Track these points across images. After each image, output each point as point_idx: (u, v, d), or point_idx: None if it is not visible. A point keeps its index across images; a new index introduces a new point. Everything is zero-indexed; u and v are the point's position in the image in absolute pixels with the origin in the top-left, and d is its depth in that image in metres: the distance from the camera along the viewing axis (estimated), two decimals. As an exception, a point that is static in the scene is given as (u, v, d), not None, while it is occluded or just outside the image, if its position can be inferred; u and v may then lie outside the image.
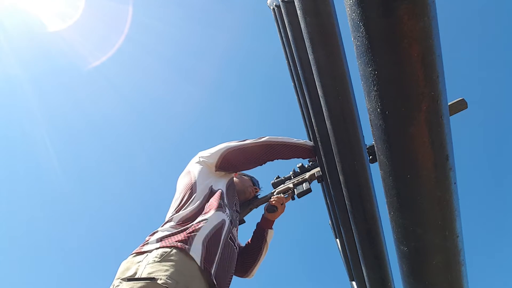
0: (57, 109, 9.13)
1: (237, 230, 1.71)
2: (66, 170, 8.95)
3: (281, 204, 1.80)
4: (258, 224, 1.82)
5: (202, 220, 1.40)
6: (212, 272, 1.29)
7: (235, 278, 1.52)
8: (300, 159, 1.86)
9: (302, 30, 0.92)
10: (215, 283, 1.28)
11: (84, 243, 9.10)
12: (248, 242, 1.83)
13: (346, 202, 1.27)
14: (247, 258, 1.77)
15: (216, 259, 1.35)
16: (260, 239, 1.78)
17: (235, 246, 1.57)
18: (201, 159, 1.74)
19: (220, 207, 1.51)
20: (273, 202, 1.79)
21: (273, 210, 1.79)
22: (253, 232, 1.82)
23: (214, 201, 1.52)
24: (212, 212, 1.45)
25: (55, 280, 9.09)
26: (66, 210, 9.21)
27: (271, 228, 1.81)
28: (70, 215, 9.38)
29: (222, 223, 1.46)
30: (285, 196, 1.84)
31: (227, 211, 1.55)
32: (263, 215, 1.83)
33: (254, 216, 1.95)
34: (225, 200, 1.59)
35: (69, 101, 8.90)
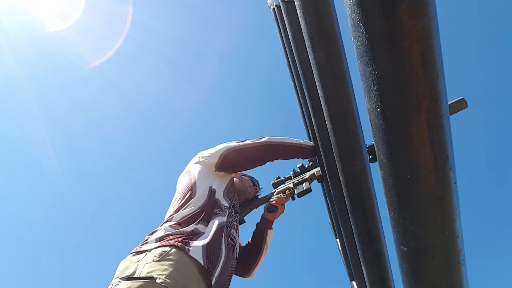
0: (57, 109, 9.13)
1: (237, 231, 1.71)
2: (66, 170, 8.96)
3: (281, 205, 1.81)
4: (257, 224, 1.82)
5: (201, 227, 1.41)
6: (215, 275, 1.30)
7: (234, 278, 1.53)
8: (300, 159, 1.86)
9: (302, 30, 0.92)
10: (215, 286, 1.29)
11: (83, 243, 9.10)
12: (248, 242, 1.83)
13: (346, 202, 1.27)
14: (248, 258, 1.77)
15: (220, 262, 1.35)
16: (259, 239, 1.78)
17: (235, 246, 1.57)
18: (201, 159, 1.74)
19: (218, 213, 1.51)
20: (273, 202, 1.79)
21: (273, 210, 1.79)
22: (253, 233, 1.82)
23: (213, 208, 1.52)
24: (211, 220, 1.46)
25: (55, 279, 9.09)
26: (66, 209, 9.21)
27: (270, 228, 1.81)
28: (70, 215, 9.39)
29: (222, 226, 1.46)
30: (284, 196, 1.84)
31: (226, 214, 1.55)
32: (262, 215, 1.83)
33: (254, 216, 1.95)
34: (225, 204, 1.59)
35: (69, 101, 8.90)
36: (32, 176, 9.45)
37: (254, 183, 2.03)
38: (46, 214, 9.49)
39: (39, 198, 9.29)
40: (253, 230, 1.83)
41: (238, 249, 1.62)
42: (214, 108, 9.18)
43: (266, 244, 1.78)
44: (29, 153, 9.21)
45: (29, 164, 9.23)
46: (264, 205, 1.89)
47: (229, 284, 1.45)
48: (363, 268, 1.46)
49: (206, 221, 1.45)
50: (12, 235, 9.24)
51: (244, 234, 1.95)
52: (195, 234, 1.37)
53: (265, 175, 2.12)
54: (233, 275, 1.50)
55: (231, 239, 1.54)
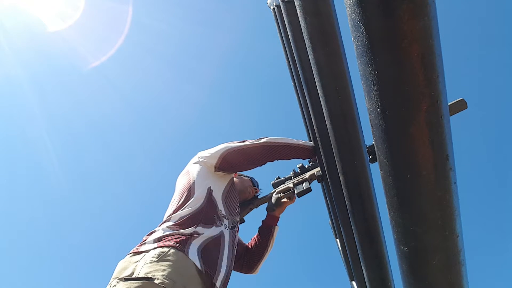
0: (57, 109, 9.13)
1: (237, 233, 1.72)
2: (66, 170, 8.96)
3: (285, 203, 1.83)
4: (264, 221, 1.86)
5: (199, 230, 1.41)
6: (220, 279, 1.31)
7: (233, 278, 1.53)
8: (300, 159, 1.86)
9: (302, 30, 0.92)
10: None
11: (83, 243, 9.10)
12: (253, 239, 1.86)
13: (346, 202, 1.27)
14: (253, 255, 1.81)
15: (222, 265, 1.36)
16: (267, 235, 1.82)
17: (236, 248, 1.58)
18: (201, 159, 1.73)
19: (218, 215, 1.52)
20: (283, 197, 1.82)
21: (272, 209, 1.82)
22: (259, 230, 1.86)
23: (212, 210, 1.52)
24: (209, 223, 1.46)
25: (55, 279, 9.09)
26: (66, 210, 9.21)
27: (277, 225, 1.85)
28: (70, 215, 9.38)
29: (220, 234, 1.46)
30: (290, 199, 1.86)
31: (225, 221, 1.55)
32: (268, 212, 1.86)
33: (254, 216, 1.96)
34: (223, 208, 1.59)
35: (69, 101, 8.90)
36: (32, 176, 9.45)
37: (254, 183, 2.03)
38: (46, 214, 9.49)
39: (39, 198, 9.29)
40: (259, 227, 1.86)
41: (236, 251, 1.63)
42: (214, 108, 9.18)
43: (273, 239, 1.83)
44: (29, 153, 9.21)
45: (29, 164, 9.23)
46: (264, 205, 1.90)
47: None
48: (363, 268, 1.46)
49: (205, 223, 1.45)
50: (12, 235, 9.24)
51: (244, 234, 1.96)
52: (194, 236, 1.37)
53: (265, 176, 2.13)
54: (238, 273, 1.52)
55: (234, 241, 1.55)
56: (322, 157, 1.48)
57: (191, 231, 1.38)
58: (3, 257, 9.03)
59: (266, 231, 1.82)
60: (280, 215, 1.87)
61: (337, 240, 2.29)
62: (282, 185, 1.94)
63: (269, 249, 1.81)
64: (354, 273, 1.88)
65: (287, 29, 1.23)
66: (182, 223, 1.42)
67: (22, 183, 9.46)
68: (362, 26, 0.44)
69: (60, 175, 8.88)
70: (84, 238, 9.20)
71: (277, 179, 1.98)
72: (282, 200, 1.82)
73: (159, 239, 1.31)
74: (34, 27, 7.92)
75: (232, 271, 1.50)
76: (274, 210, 1.81)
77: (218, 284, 1.29)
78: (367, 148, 1.55)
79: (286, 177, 1.97)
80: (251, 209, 1.94)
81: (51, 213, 9.43)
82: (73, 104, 8.99)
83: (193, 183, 1.61)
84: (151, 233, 1.39)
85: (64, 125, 9.11)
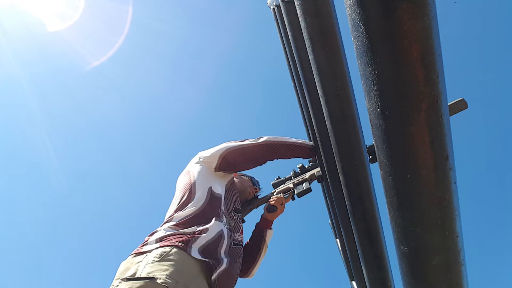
0: (57, 109, 9.13)
1: (241, 233, 1.71)
2: (66, 170, 8.96)
3: (281, 204, 1.80)
4: (257, 224, 1.82)
5: (202, 229, 1.40)
6: (217, 272, 1.30)
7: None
8: (301, 159, 1.86)
9: (302, 30, 0.92)
10: (217, 285, 1.29)
11: (83, 243, 9.10)
12: (247, 242, 1.83)
13: (346, 202, 1.27)
14: (247, 259, 1.76)
15: (222, 265, 1.35)
16: (259, 239, 1.77)
17: (241, 249, 1.56)
18: (201, 159, 1.73)
19: (218, 217, 1.51)
20: (272, 202, 1.79)
21: (273, 210, 1.79)
22: (252, 233, 1.82)
23: (213, 210, 1.52)
24: (211, 222, 1.45)
25: (55, 280, 9.09)
26: (66, 210, 9.21)
27: (270, 228, 1.80)
28: (70, 215, 9.39)
29: (221, 232, 1.46)
30: (285, 196, 1.84)
31: (224, 219, 1.54)
32: (262, 215, 1.83)
33: (254, 216, 1.95)
34: (224, 208, 1.59)
35: (69, 101, 8.90)
36: (31, 176, 9.45)
37: (254, 183, 2.02)
38: (45, 214, 9.49)
39: (39, 198, 9.29)
40: (253, 230, 1.83)
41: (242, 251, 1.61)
42: (214, 108, 9.19)
43: (265, 244, 1.78)
44: (29, 153, 9.22)
45: (29, 164, 9.24)
46: (264, 205, 1.89)
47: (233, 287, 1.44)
48: (363, 268, 1.46)
49: (207, 222, 1.45)
50: (12, 235, 9.24)
51: (244, 234, 1.95)
52: (196, 235, 1.36)
53: (265, 176, 2.13)
54: (237, 278, 1.50)
55: (236, 243, 1.53)
56: (322, 157, 1.48)
57: (193, 231, 1.38)
58: (3, 257, 9.04)
59: (259, 235, 1.78)
60: (276, 218, 1.81)
61: (337, 240, 2.29)
62: (282, 185, 1.93)
63: (262, 253, 1.76)
64: (354, 273, 1.88)
65: (287, 29, 1.24)
66: (184, 223, 1.42)
67: (22, 183, 9.47)
68: (362, 26, 0.44)
69: (60, 175, 8.88)
70: (84, 238, 9.21)
71: (277, 179, 1.98)
72: (272, 203, 1.78)
73: (161, 239, 1.31)
74: (34, 27, 7.93)
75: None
76: (274, 211, 1.79)
77: (212, 276, 1.28)
78: (367, 148, 1.55)
79: (286, 177, 1.97)
80: (251, 209, 1.94)
81: (51, 213, 9.43)
82: (73, 104, 8.99)
83: (194, 183, 1.61)
84: (153, 233, 1.39)
85: (64, 125, 9.12)
